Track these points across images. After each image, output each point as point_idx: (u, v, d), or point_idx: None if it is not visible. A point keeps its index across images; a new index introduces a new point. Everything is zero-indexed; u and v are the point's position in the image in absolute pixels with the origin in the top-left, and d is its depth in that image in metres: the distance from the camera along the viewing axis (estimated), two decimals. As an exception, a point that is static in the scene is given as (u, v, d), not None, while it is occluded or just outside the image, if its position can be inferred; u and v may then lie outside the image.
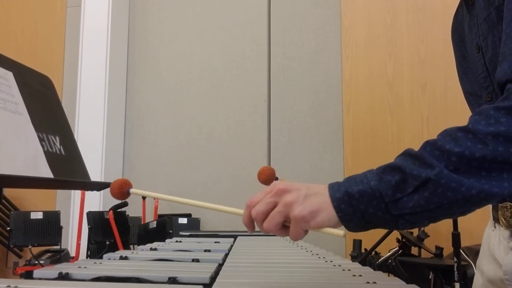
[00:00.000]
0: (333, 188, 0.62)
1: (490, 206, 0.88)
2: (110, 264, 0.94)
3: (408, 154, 0.61)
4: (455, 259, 1.95)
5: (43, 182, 0.93)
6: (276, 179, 0.94)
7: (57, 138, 0.97)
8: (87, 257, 2.99)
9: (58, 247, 3.18)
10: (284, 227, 0.62)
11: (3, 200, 3.56)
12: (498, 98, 0.63)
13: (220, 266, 0.90)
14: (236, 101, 3.59)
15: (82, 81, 3.61)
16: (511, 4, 0.68)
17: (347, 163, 3.32)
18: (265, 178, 0.94)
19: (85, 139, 3.39)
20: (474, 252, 2.31)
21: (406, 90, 3.28)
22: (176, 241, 1.46)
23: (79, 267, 0.86)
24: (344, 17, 3.47)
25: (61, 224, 3.16)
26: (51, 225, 3.12)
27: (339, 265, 0.91)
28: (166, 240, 1.46)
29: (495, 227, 0.87)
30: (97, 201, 3.34)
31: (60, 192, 3.79)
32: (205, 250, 1.15)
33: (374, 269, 0.87)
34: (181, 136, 3.68)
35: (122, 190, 0.79)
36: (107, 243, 2.96)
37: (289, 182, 0.64)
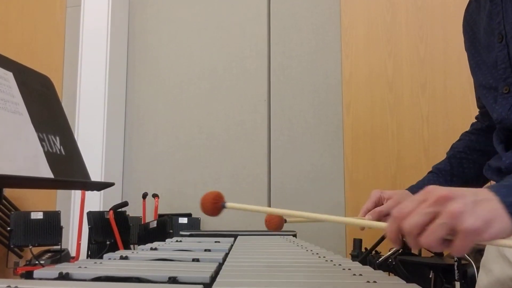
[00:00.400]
0: (502, 192, 0.54)
1: None
2: (111, 264, 0.94)
3: None
4: (456, 258, 1.95)
5: (43, 182, 0.93)
6: (285, 221, 0.90)
7: (57, 138, 0.97)
8: (87, 257, 3.00)
9: (58, 247, 3.18)
10: (445, 241, 0.53)
11: (4, 200, 3.56)
12: None
13: (220, 265, 0.90)
14: (236, 100, 3.60)
15: (82, 81, 3.61)
16: None
17: (347, 162, 3.32)
18: (274, 227, 0.88)
19: (85, 139, 3.39)
20: (475, 250, 2.31)
21: (406, 89, 3.28)
22: (176, 241, 1.46)
23: (80, 267, 0.86)
24: (344, 16, 3.47)
25: (62, 224, 3.16)
26: (52, 225, 3.12)
27: (339, 264, 0.91)
28: (166, 240, 1.46)
29: None
30: (97, 201, 3.34)
31: (60, 192, 3.79)
32: (205, 250, 1.15)
33: (375, 268, 0.87)
34: (181, 136, 3.68)
35: (216, 205, 0.71)
36: (108, 243, 2.96)
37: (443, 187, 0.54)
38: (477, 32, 0.88)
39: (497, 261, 0.86)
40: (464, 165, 0.97)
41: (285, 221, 0.85)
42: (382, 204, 0.91)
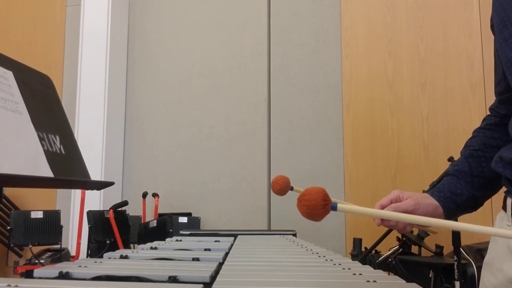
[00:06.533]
0: None
1: (503, 200, 0.86)
2: (111, 263, 0.94)
3: None
4: (455, 258, 1.96)
5: (43, 181, 0.93)
6: (291, 189, 0.90)
7: (57, 137, 0.97)
8: (87, 256, 3.00)
9: (58, 246, 3.18)
10: None
11: (4, 200, 3.56)
12: None
13: (220, 265, 0.90)
14: (236, 100, 3.60)
15: (82, 81, 3.61)
16: None
17: (347, 161, 3.32)
18: (279, 188, 0.88)
19: (85, 139, 3.39)
20: (474, 250, 2.32)
21: (406, 88, 3.28)
22: (176, 240, 1.46)
23: (80, 266, 0.86)
24: (344, 16, 3.47)
25: (61, 223, 3.16)
26: (52, 224, 3.12)
27: (339, 264, 0.91)
28: (166, 239, 1.46)
29: None
30: (97, 200, 3.34)
31: (60, 191, 3.79)
32: (206, 249, 1.15)
33: (374, 268, 0.87)
34: (181, 136, 3.68)
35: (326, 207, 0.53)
36: (108, 242, 2.96)
37: None
38: (505, 4, 0.85)
39: (509, 259, 0.82)
40: (482, 164, 0.94)
41: (291, 188, 0.85)
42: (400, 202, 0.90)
